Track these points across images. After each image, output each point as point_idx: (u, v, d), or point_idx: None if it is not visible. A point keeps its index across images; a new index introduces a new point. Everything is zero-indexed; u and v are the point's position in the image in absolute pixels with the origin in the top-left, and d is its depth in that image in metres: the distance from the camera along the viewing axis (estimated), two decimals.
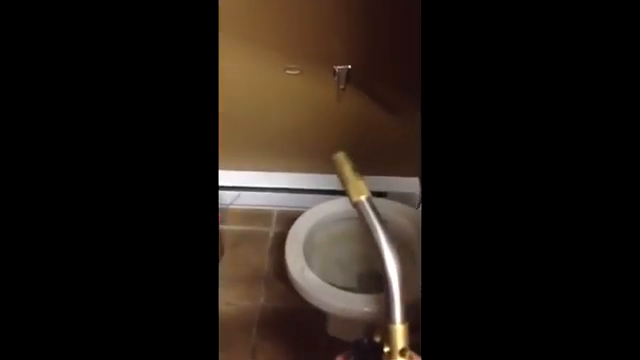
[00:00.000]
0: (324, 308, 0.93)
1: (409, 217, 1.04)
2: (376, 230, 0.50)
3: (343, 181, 0.54)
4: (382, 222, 0.49)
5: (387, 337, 0.46)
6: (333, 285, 0.93)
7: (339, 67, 1.04)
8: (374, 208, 0.51)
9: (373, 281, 1.05)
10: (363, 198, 0.51)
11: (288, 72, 1.07)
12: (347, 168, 0.56)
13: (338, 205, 1.08)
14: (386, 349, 0.46)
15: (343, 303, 0.90)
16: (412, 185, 1.29)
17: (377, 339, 0.48)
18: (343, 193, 1.37)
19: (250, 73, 1.11)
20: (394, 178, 1.31)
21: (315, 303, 0.92)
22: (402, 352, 0.46)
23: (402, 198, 1.24)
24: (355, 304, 0.89)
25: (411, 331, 0.48)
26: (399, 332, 0.46)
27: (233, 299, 1.18)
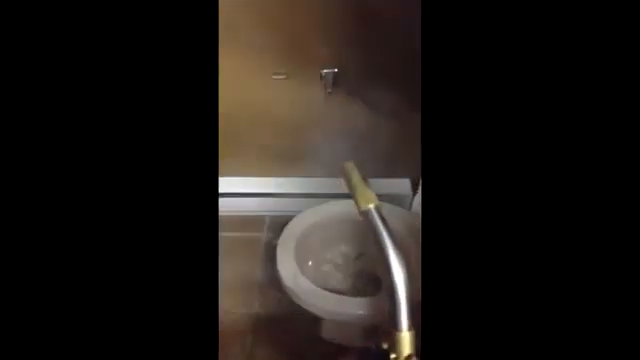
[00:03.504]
0: (318, 313, 0.92)
1: (402, 219, 1.04)
2: (384, 239, 0.51)
3: (351, 189, 0.56)
4: (390, 231, 0.51)
5: (394, 344, 0.47)
6: (327, 289, 0.93)
7: (325, 70, 1.04)
8: (382, 217, 0.53)
9: (367, 283, 1.05)
10: (372, 206, 0.54)
11: (274, 77, 1.07)
12: (356, 177, 0.59)
13: (330, 208, 1.08)
14: (392, 356, 0.47)
15: (337, 307, 0.90)
16: (404, 186, 1.29)
17: (384, 346, 0.48)
18: (335, 196, 1.37)
19: (235, 78, 1.10)
20: (386, 180, 1.30)
21: (309, 308, 0.92)
22: (408, 358, 0.47)
23: (394, 200, 1.24)
24: (349, 308, 0.89)
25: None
26: (406, 339, 0.47)
27: (227, 307, 1.16)
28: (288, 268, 0.95)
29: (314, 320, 1.00)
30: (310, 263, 1.03)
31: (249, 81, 1.10)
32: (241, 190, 1.32)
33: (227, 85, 1.13)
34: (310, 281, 0.92)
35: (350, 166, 0.58)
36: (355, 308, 0.88)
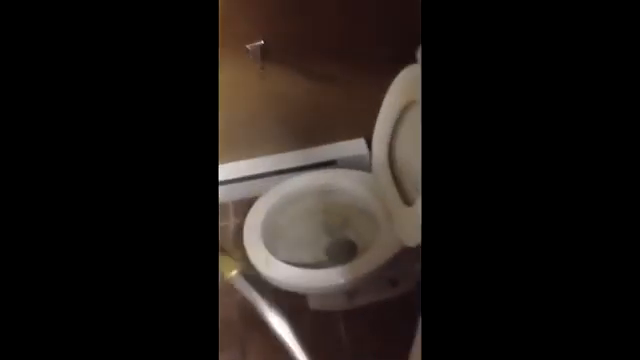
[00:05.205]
0: (298, 290, 0.91)
1: (363, 183, 1.03)
2: (256, 302, 0.54)
3: None
4: (260, 292, 0.55)
5: None
6: (302, 264, 0.91)
7: (251, 45, 0.99)
8: (247, 281, 0.57)
9: (341, 250, 1.04)
10: (234, 274, 0.56)
11: None
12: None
13: (289, 185, 1.05)
14: None
15: (315, 282, 0.88)
16: (360, 146, 1.28)
17: None
18: (290, 171, 1.33)
19: None
20: (341, 143, 1.28)
21: (288, 288, 0.90)
22: None
23: (353, 162, 1.23)
24: (327, 279, 0.88)
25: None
26: None
27: None
28: (258, 253, 0.92)
29: (298, 295, 0.99)
30: (281, 242, 1.01)
31: None
32: None
33: None
34: (283, 261, 0.90)
35: None
36: (334, 278, 0.87)
